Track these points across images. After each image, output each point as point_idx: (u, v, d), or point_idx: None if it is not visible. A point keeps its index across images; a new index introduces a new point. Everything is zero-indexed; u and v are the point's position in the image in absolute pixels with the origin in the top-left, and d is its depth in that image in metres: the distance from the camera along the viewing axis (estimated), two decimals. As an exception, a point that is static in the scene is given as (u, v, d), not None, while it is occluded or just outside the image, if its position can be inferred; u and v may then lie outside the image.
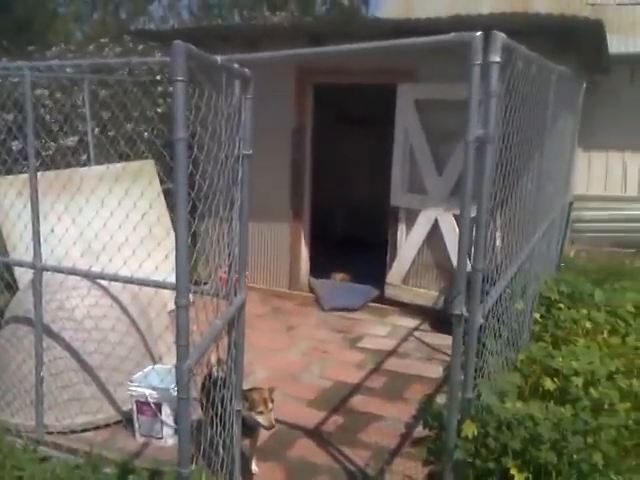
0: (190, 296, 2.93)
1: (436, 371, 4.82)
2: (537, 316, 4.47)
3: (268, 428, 3.24)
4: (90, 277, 3.71)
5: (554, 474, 2.34)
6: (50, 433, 3.72)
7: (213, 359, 3.59)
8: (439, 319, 5.68)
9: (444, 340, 5.32)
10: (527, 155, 3.81)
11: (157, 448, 3.66)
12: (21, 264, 3.76)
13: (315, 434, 3.92)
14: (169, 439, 3.73)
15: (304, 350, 5.31)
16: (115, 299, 3.97)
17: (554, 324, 4.24)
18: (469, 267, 2.57)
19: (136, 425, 3.76)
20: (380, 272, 6.39)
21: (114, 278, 3.48)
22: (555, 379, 3.17)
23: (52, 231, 3.70)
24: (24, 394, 3.77)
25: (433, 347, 5.34)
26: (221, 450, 3.01)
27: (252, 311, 6.61)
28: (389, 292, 6.32)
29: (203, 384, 3.61)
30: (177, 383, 2.05)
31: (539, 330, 4.32)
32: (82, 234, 4.00)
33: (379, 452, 3.69)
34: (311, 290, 6.81)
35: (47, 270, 3.53)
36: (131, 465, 3.29)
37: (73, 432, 3.74)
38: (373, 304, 6.45)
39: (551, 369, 3.23)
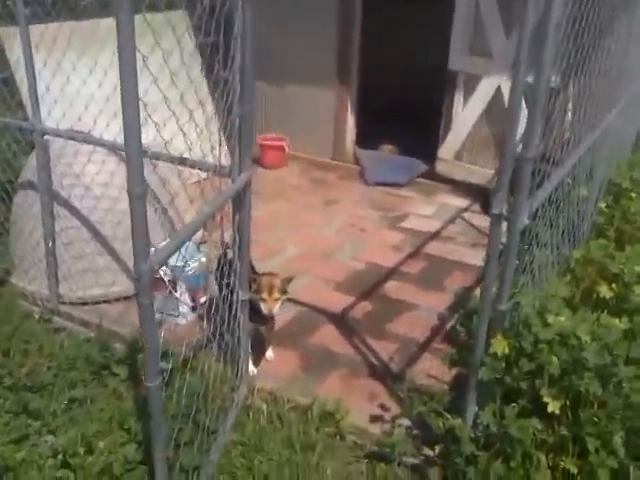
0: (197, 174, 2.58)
1: (481, 258, 4.40)
2: (602, 206, 3.91)
3: (267, 318, 2.98)
4: (103, 144, 3.34)
5: (596, 405, 1.98)
6: (64, 303, 3.60)
7: (228, 238, 3.28)
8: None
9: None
10: (612, 9, 3.07)
11: (171, 326, 3.50)
12: (20, 126, 3.43)
13: (340, 321, 3.66)
14: (184, 317, 3.55)
15: (340, 227, 4.96)
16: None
17: (621, 216, 3.68)
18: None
19: (151, 300, 3.58)
20: (431, 146, 5.80)
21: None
22: (613, 285, 2.71)
23: (77, 93, 3.28)
24: (38, 262, 3.62)
25: (481, 231, 4.87)
26: (227, 335, 2.79)
27: (290, 182, 6.27)
28: (440, 168, 5.77)
29: (219, 261, 3.33)
30: (135, 286, 1.72)
31: (603, 223, 3.78)
32: (108, 98, 3.55)
33: (406, 345, 3.41)
34: (356, 161, 6.33)
35: (47, 134, 3.20)
36: (140, 343, 3.13)
37: (87, 304, 3.61)
38: (421, 180, 5.94)
39: (609, 273, 2.75)
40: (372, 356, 3.32)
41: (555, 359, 1.97)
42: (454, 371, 3.06)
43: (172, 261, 3.50)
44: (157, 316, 3.57)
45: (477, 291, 3.81)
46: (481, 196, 5.49)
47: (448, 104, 5.60)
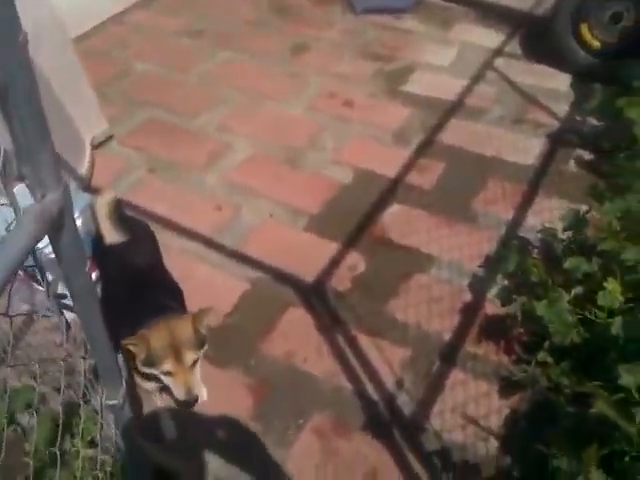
0: None
1: (530, 151, 2.89)
2: None
3: (185, 404, 1.61)
4: None
5: None
6: None
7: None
8: (541, 32, 3.47)
9: (547, 77, 3.28)
10: None
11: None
12: None
13: (315, 300, 2.30)
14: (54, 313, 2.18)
15: (314, 99, 3.32)
16: None
17: None
18: None
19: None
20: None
21: None
22: None
23: None
24: None
25: (528, 93, 3.26)
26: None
27: (242, 15, 4.39)
28: (459, -18, 3.92)
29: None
30: None
31: None
32: None
33: (421, 351, 2.09)
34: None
35: None
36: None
37: None
38: (431, 0, 4.11)
39: None
40: (368, 381, 2.02)
41: None
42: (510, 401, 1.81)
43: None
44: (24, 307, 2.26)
45: (530, 219, 2.45)
46: (522, 28, 3.76)
47: None
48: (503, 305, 2.11)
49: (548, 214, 2.56)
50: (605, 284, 1.88)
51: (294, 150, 2.97)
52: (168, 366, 1.54)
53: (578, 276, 1.98)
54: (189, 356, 1.56)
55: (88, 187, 2.74)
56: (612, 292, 1.86)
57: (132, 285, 1.76)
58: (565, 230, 2.11)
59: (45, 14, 2.46)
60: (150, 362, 1.55)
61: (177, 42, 3.83)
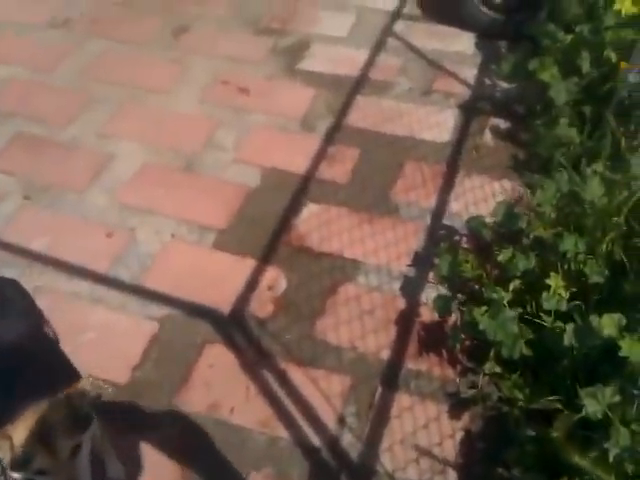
0: None
1: (443, 125, 2.70)
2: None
3: None
4: None
5: None
6: None
7: None
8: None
9: (450, 38, 3.09)
10: None
11: None
12: None
13: (235, 332, 2.03)
14: None
15: (205, 88, 2.97)
16: None
17: None
18: None
19: None
20: None
21: None
22: None
23: None
24: None
25: (433, 60, 3.05)
26: None
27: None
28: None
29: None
30: None
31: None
32: None
33: (360, 378, 1.89)
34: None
35: None
36: None
37: None
38: (319, -39, 3.77)
39: None
40: (307, 424, 1.79)
41: None
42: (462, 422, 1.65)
43: None
44: None
45: (454, 204, 2.28)
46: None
47: None
48: (441, 317, 1.93)
49: (471, 195, 2.39)
50: (547, 280, 1.73)
51: (189, 153, 2.63)
52: (39, 464, 1.24)
53: (516, 273, 1.82)
54: (66, 444, 1.26)
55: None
56: (555, 289, 1.71)
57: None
58: (499, 226, 1.93)
59: None
60: (18, 464, 1.24)
61: (41, 36, 3.33)
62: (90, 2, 3.55)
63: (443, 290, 2.03)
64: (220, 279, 2.17)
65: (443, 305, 1.86)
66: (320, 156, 2.59)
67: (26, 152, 2.67)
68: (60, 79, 3.03)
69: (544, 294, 1.65)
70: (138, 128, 2.75)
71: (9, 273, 1.47)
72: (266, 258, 2.22)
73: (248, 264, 2.21)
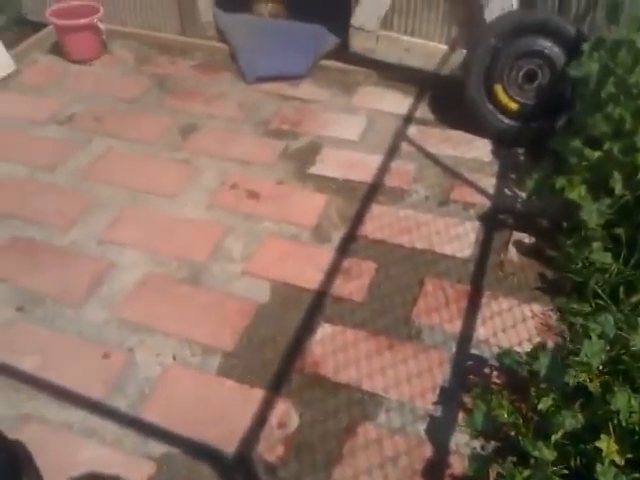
0: None
1: (464, 239, 2.56)
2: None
3: None
4: None
5: None
6: None
7: None
8: (451, 94, 3.21)
9: (466, 144, 3.00)
10: None
11: None
12: None
13: (239, 471, 1.80)
14: None
15: (213, 191, 2.85)
16: None
17: None
18: None
19: None
20: (341, 6, 3.56)
21: None
22: None
23: None
24: None
25: (450, 166, 2.95)
26: None
27: (113, 90, 3.81)
28: (357, 43, 3.56)
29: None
30: None
31: None
32: None
33: None
34: (220, 34, 3.98)
35: None
36: None
37: None
38: (329, 63, 3.76)
39: None
40: None
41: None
42: None
43: None
44: None
45: (481, 330, 2.10)
46: (429, 89, 3.49)
47: None
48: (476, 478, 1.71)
49: (499, 320, 2.22)
50: (598, 443, 1.53)
51: (195, 263, 2.47)
52: None
53: (560, 428, 1.62)
54: None
55: None
56: (608, 454, 1.51)
57: None
58: (544, 380, 1.73)
59: None
60: None
61: (43, 132, 3.23)
62: (96, 98, 3.49)
63: (476, 442, 1.81)
64: (224, 412, 1.95)
65: (479, 468, 1.65)
66: (335, 269, 2.44)
67: (22, 257, 2.50)
68: (61, 179, 2.91)
69: (598, 467, 1.45)
70: (141, 234, 2.60)
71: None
72: (276, 388, 2.02)
73: (256, 395, 2.00)
